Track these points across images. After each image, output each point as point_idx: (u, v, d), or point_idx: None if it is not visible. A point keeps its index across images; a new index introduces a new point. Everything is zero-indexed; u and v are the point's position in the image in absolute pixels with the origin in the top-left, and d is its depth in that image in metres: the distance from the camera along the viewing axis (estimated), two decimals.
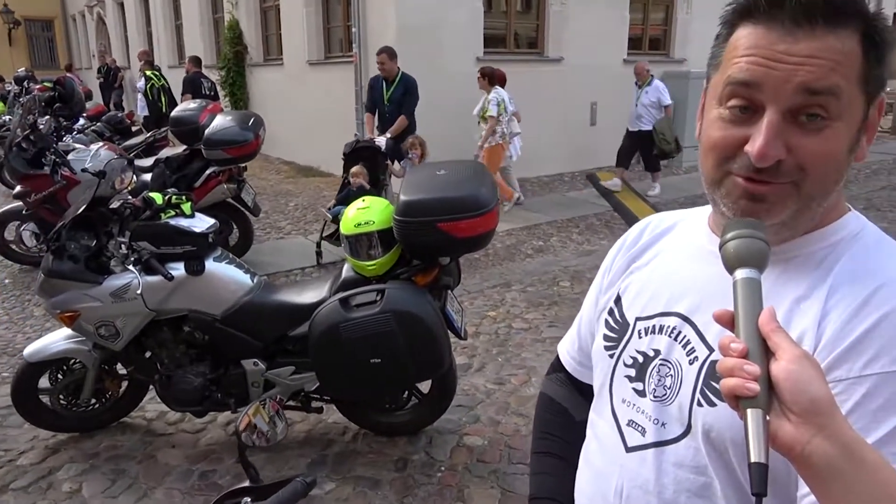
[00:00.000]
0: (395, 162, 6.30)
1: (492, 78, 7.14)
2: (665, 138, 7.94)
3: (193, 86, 9.41)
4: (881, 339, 0.68)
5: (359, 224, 2.68)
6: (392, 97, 6.43)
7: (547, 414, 1.15)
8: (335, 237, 5.28)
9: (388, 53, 6.39)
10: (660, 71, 10.25)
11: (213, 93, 9.62)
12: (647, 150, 8.17)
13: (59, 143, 5.55)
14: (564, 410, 1.12)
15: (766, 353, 0.60)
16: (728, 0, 0.78)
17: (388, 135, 6.23)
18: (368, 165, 5.78)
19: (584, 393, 1.08)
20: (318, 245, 5.60)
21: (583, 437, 1.03)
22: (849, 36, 0.71)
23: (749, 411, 0.58)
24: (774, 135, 0.70)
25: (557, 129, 9.36)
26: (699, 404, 0.79)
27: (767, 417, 0.58)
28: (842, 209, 0.81)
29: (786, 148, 0.71)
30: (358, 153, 5.90)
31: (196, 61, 10.10)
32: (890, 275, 0.72)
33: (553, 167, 9.46)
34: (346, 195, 5.44)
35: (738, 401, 0.59)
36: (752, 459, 0.56)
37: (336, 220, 5.17)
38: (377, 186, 5.86)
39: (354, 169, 5.63)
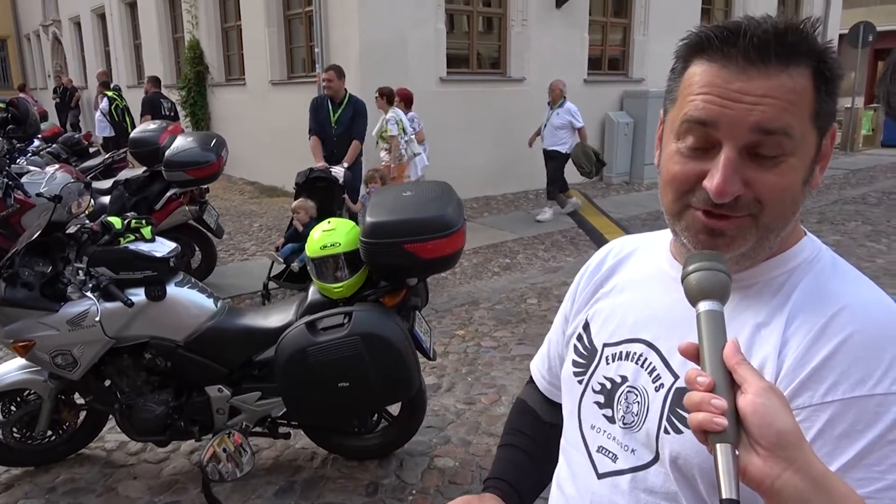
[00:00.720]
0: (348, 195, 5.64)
1: (389, 97, 6.85)
2: (581, 165, 7.79)
3: (153, 106, 9.27)
4: (841, 365, 0.69)
5: (324, 246, 2.66)
6: (340, 119, 5.94)
7: (517, 413, 1.18)
8: (284, 278, 4.96)
9: (336, 71, 5.95)
10: (619, 90, 10.53)
11: (173, 113, 9.50)
12: (553, 171, 7.89)
13: (13, 166, 5.39)
14: (533, 411, 1.14)
15: (733, 386, 0.60)
16: (682, 30, 0.79)
17: (345, 164, 5.74)
18: (322, 199, 5.23)
19: (553, 405, 1.10)
20: (266, 287, 5.00)
21: (549, 436, 1.05)
22: (800, 73, 0.72)
23: (718, 446, 0.58)
24: (732, 171, 0.72)
25: (521, 147, 9.45)
26: (666, 431, 0.79)
27: (737, 452, 0.58)
28: (798, 234, 0.83)
29: (743, 182, 0.73)
30: (312, 184, 5.37)
31: (155, 81, 9.96)
32: (846, 300, 0.74)
33: (517, 185, 9.56)
34: (294, 234, 5.04)
35: (707, 435, 0.59)
36: (724, 496, 0.56)
37: (288, 261, 4.87)
38: None
39: (297, 203, 5.08)
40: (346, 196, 5.55)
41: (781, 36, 0.71)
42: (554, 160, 7.85)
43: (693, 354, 0.65)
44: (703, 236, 0.77)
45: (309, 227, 4.73)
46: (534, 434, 1.12)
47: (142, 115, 9.26)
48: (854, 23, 13.91)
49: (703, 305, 0.66)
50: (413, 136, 7.09)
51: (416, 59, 8.33)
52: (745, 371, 0.60)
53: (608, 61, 10.82)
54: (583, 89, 10.09)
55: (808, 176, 0.76)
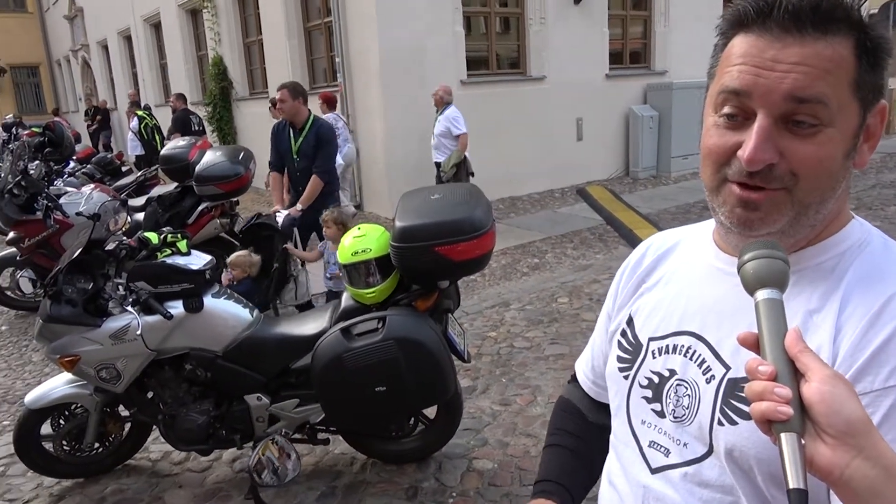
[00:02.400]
0: (298, 242, 4.73)
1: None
2: (445, 171, 7.18)
3: (183, 123, 9.50)
4: None
5: (356, 252, 2.69)
6: (302, 150, 4.77)
7: (561, 412, 1.17)
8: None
9: (291, 90, 4.77)
10: (642, 83, 10.42)
11: (201, 128, 9.72)
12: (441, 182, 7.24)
13: (51, 188, 5.55)
14: (578, 411, 1.13)
15: (796, 375, 0.59)
16: (704, 19, 0.79)
17: (299, 207, 4.66)
18: (265, 249, 4.59)
19: (599, 406, 1.09)
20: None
21: (595, 436, 1.04)
22: (840, 42, 0.71)
23: (783, 436, 0.56)
24: (764, 139, 0.71)
25: (544, 146, 9.45)
26: (720, 423, 0.78)
27: (802, 441, 0.56)
28: (846, 217, 0.81)
29: (778, 153, 0.72)
30: (254, 233, 4.75)
31: (182, 98, 10.18)
32: None
33: (542, 184, 9.53)
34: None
35: (770, 425, 0.58)
36: (791, 486, 0.54)
37: None
38: (278, 282, 4.34)
39: (232, 258, 4.29)
40: (287, 245, 4.56)
41: (817, 4, 0.71)
42: (439, 169, 7.37)
43: (752, 344, 0.64)
44: (738, 210, 0.76)
45: (244, 286, 4.05)
46: (580, 433, 1.11)
47: (171, 133, 9.47)
48: (883, 2, 13.57)
49: (762, 294, 0.65)
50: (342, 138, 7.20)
51: (436, 64, 8.36)
52: (809, 359, 0.59)
53: (630, 55, 10.71)
54: (605, 84, 10.03)
55: (849, 150, 0.75)
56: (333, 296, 3.62)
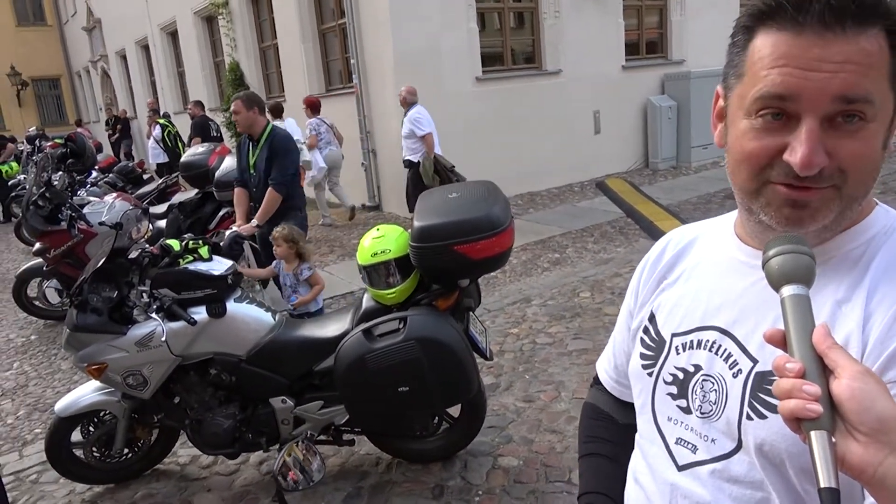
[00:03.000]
0: (252, 260, 4.59)
1: (273, 111, 7.67)
2: (427, 173, 7.04)
3: (203, 129, 9.61)
4: None
5: (375, 253, 2.69)
6: (257, 163, 4.45)
7: (591, 420, 1.15)
8: None
9: (245, 100, 4.41)
10: (660, 73, 10.31)
11: (219, 134, 9.82)
12: (412, 185, 7.15)
13: (74, 198, 5.65)
14: (608, 415, 1.12)
15: (824, 372, 0.58)
16: (721, 7, 0.77)
17: (255, 223, 4.37)
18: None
19: (626, 406, 1.07)
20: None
21: (628, 439, 1.02)
22: (876, 35, 0.69)
23: (813, 434, 0.55)
24: (817, 143, 0.69)
25: (562, 140, 9.39)
26: (748, 418, 0.77)
27: (833, 439, 0.55)
28: (871, 204, 0.80)
29: (826, 153, 0.70)
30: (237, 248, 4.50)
31: (200, 105, 10.30)
32: None
33: (561, 178, 9.47)
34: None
35: (800, 423, 0.56)
36: (822, 485, 0.53)
37: None
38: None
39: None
40: (240, 265, 3.93)
41: None
42: (409, 170, 7.28)
43: (779, 340, 0.62)
44: (787, 210, 0.74)
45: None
46: (613, 438, 1.09)
47: (191, 139, 9.58)
48: None
49: (788, 290, 0.63)
50: (303, 142, 7.54)
51: (451, 62, 8.35)
52: (838, 355, 0.58)
53: (646, 45, 10.60)
54: (622, 76, 9.93)
55: (886, 140, 0.73)
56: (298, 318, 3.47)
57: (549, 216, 7.87)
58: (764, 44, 0.72)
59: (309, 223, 4.94)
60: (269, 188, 4.32)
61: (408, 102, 7.25)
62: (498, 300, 5.12)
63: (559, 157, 9.34)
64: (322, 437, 2.92)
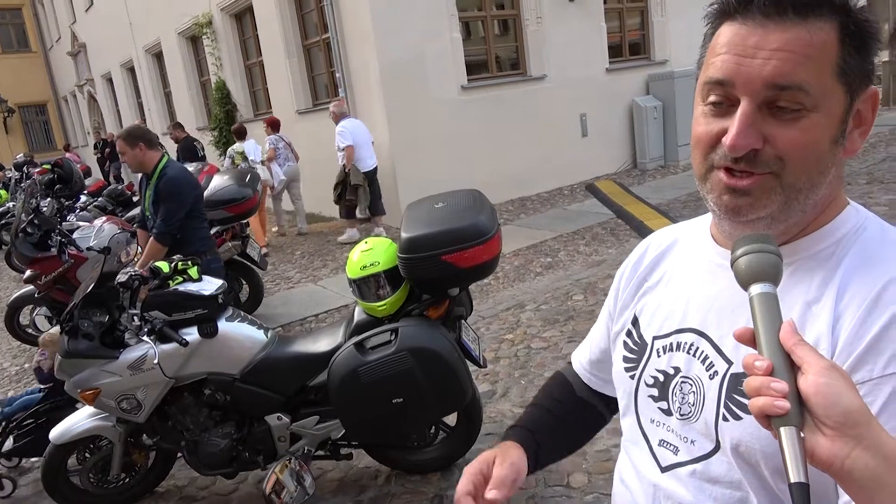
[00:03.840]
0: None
1: (238, 133, 8.68)
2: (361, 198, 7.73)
3: (191, 151, 9.61)
4: None
5: (364, 266, 2.70)
6: (150, 202, 3.91)
7: (551, 382, 1.20)
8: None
9: (125, 138, 3.85)
10: (644, 74, 10.38)
11: (203, 154, 9.87)
12: (368, 192, 7.80)
13: (64, 223, 5.63)
14: (568, 384, 1.16)
15: (792, 368, 0.59)
16: (700, 5, 0.80)
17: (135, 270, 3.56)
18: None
19: (589, 389, 1.13)
20: None
21: (578, 408, 1.10)
22: (822, 27, 0.71)
23: (782, 430, 0.56)
24: (747, 125, 0.72)
25: (550, 144, 9.43)
26: (724, 419, 0.78)
27: (802, 434, 0.56)
28: (841, 203, 0.80)
29: (762, 138, 0.72)
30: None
31: (181, 127, 10.36)
32: None
33: (551, 183, 9.51)
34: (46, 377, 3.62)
35: (770, 419, 0.57)
36: (792, 480, 0.54)
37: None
38: None
39: (44, 335, 3.77)
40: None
41: None
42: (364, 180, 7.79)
43: (749, 339, 0.63)
44: (726, 196, 0.76)
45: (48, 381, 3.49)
46: (564, 400, 1.14)
47: (181, 161, 9.59)
48: None
49: (756, 288, 0.64)
50: (259, 161, 8.25)
51: (436, 71, 8.39)
52: (804, 351, 0.58)
53: (629, 47, 10.67)
54: (606, 78, 10.00)
55: (836, 136, 0.74)
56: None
57: (541, 220, 7.90)
58: (719, 36, 0.76)
59: (273, 230, 4.98)
60: (151, 239, 3.80)
61: (337, 116, 7.71)
62: (492, 307, 5.13)
63: (548, 162, 9.38)
64: (320, 453, 2.91)
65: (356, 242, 7.99)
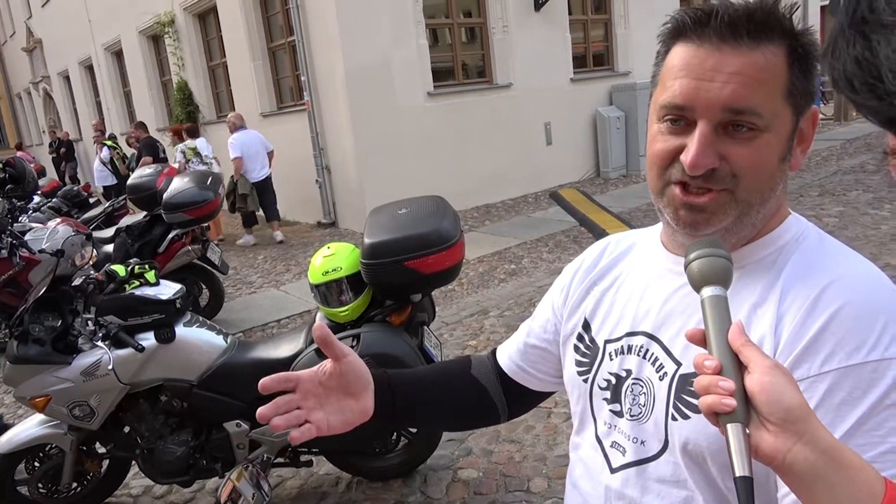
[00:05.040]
0: None
1: (176, 133, 9.10)
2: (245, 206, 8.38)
3: (153, 149, 9.42)
4: (835, 335, 0.70)
5: (326, 272, 2.68)
6: None
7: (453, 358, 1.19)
8: None
9: None
10: (607, 85, 10.56)
11: (164, 155, 9.68)
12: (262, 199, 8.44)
13: (16, 225, 5.45)
14: (467, 361, 1.14)
15: (740, 368, 0.61)
16: (663, 19, 0.83)
17: None
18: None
19: (498, 376, 1.12)
20: None
21: (465, 383, 1.09)
22: (773, 51, 0.75)
23: (729, 426, 0.59)
24: (706, 145, 0.75)
25: (515, 152, 9.52)
26: (673, 418, 0.81)
27: (747, 430, 0.59)
28: (783, 213, 0.84)
29: (719, 157, 0.75)
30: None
31: (144, 126, 10.14)
32: (835, 273, 0.75)
33: (515, 190, 9.59)
34: None
35: (718, 417, 0.60)
36: (737, 473, 0.57)
37: None
38: None
39: None
40: None
41: (751, 14, 0.74)
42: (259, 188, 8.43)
43: (700, 340, 0.66)
44: (682, 212, 0.80)
45: None
46: (449, 369, 1.14)
47: (139, 159, 9.38)
48: None
49: (707, 291, 0.67)
50: (212, 157, 8.58)
51: (402, 77, 8.39)
52: (751, 351, 0.61)
53: (593, 58, 10.86)
54: (570, 88, 10.14)
55: (784, 153, 0.78)
56: None
57: (505, 227, 7.95)
58: (673, 56, 0.79)
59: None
60: None
61: (234, 127, 8.28)
62: (455, 312, 5.14)
63: (513, 169, 9.46)
64: (279, 460, 2.88)
65: (252, 246, 8.38)
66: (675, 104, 0.77)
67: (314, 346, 2.58)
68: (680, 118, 0.78)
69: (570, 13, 10.08)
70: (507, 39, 9.39)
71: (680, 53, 0.78)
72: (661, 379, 0.84)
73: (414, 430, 2.99)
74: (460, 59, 9.41)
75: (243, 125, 8.32)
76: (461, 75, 9.42)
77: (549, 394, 1.14)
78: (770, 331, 0.75)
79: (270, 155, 8.48)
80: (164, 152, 9.73)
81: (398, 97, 8.40)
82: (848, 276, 0.75)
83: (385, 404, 0.97)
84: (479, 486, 2.89)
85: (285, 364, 2.63)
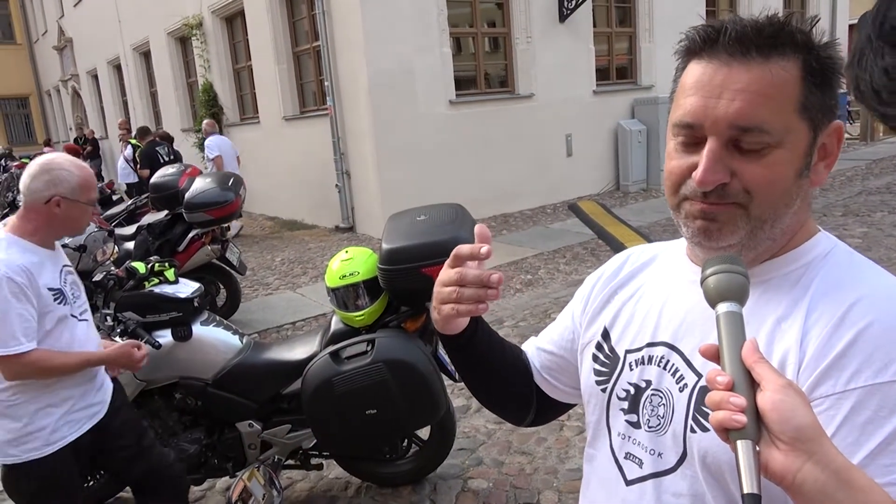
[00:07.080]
0: None
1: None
2: None
3: (151, 159, 9.11)
4: (862, 353, 0.69)
5: (344, 276, 2.69)
6: None
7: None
8: None
9: None
10: (630, 98, 10.52)
11: (170, 159, 9.34)
12: None
13: None
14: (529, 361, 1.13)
15: (752, 385, 0.61)
16: (681, 33, 0.82)
17: None
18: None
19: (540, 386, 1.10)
20: None
21: (522, 381, 1.07)
22: (784, 65, 0.74)
23: (739, 443, 0.59)
24: (714, 161, 0.75)
25: (535, 163, 9.51)
26: (692, 430, 0.80)
27: (758, 448, 0.58)
28: (811, 230, 0.83)
29: (729, 173, 0.75)
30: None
31: (146, 131, 10.20)
32: (863, 290, 0.74)
33: (534, 200, 9.57)
34: None
35: (728, 433, 0.60)
36: (745, 490, 0.57)
37: None
38: None
39: None
40: None
41: (760, 29, 0.74)
42: None
43: (713, 355, 0.66)
44: (699, 221, 0.80)
45: None
46: (514, 346, 1.11)
47: (140, 169, 9.36)
48: (863, 12, 13.77)
49: (722, 307, 0.67)
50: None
51: (425, 85, 8.43)
52: (763, 369, 0.61)
53: (616, 70, 10.83)
54: (592, 100, 10.12)
55: (801, 168, 0.77)
56: None
57: (522, 237, 7.93)
58: (687, 74, 0.80)
59: None
60: None
61: (207, 133, 9.48)
62: None
63: (532, 180, 9.45)
64: (290, 462, 2.88)
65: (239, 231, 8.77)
66: (685, 122, 0.78)
67: (329, 349, 2.59)
68: (691, 136, 0.78)
69: (594, 25, 10.06)
70: (531, 50, 9.40)
71: (692, 71, 0.78)
72: (681, 390, 0.83)
73: (425, 438, 2.97)
74: (483, 68, 9.43)
75: (215, 131, 9.75)
76: (483, 84, 9.44)
77: (568, 407, 1.13)
78: (795, 345, 0.74)
79: (238, 159, 9.58)
80: (167, 156, 9.51)
81: (420, 104, 8.43)
82: (877, 294, 0.74)
83: (469, 330, 0.98)
84: (489, 497, 2.87)
85: (299, 366, 2.64)
